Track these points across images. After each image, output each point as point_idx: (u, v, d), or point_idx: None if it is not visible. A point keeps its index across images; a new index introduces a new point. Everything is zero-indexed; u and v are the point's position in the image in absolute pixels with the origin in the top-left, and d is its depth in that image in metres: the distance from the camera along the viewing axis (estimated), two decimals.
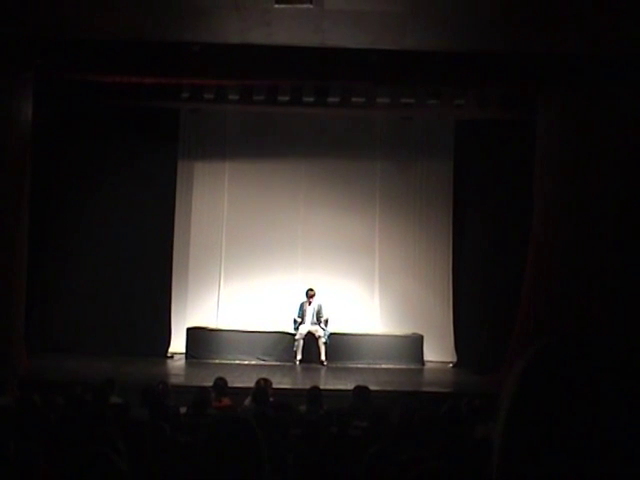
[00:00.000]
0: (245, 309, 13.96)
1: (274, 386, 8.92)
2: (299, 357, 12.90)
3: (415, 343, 13.31)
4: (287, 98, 11.98)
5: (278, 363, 12.79)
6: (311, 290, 13.25)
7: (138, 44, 10.62)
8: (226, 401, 7.72)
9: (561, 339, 1.08)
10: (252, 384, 8.57)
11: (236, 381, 10.56)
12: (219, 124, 14.27)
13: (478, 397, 7.78)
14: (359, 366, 12.67)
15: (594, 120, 10.70)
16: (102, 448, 3.08)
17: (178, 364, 12.81)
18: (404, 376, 11.89)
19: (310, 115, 13.59)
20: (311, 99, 11.99)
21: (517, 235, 12.44)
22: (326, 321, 13.13)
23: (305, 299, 13.23)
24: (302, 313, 13.12)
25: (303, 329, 12.98)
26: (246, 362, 12.77)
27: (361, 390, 7.90)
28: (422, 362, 13.19)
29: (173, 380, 10.62)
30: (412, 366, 12.92)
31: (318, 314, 13.10)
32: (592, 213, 10.63)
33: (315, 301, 13.19)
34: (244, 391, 8.70)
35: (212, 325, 13.74)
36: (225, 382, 8.31)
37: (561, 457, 1.00)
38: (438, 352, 13.34)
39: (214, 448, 2.38)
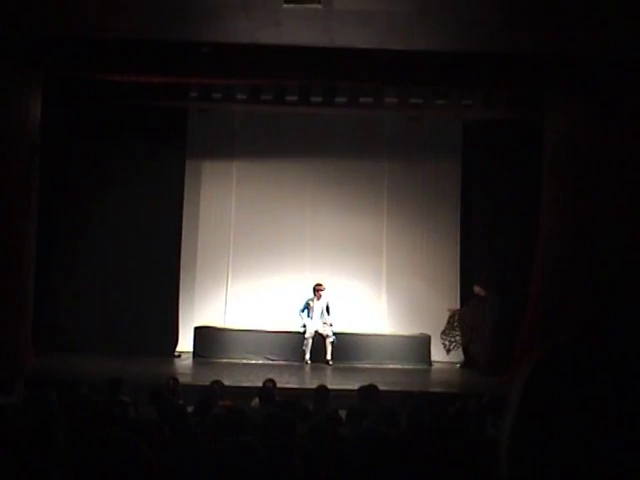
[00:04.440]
0: (252, 308, 13.98)
1: (281, 386, 8.92)
2: (308, 356, 12.90)
3: (422, 343, 13.30)
4: (295, 98, 12.00)
5: (286, 363, 12.79)
6: (319, 285, 13.17)
7: (147, 44, 10.63)
8: (226, 402, 7.70)
9: (569, 340, 1.08)
10: (259, 383, 8.57)
11: (244, 380, 10.60)
12: (227, 124, 14.29)
13: (486, 398, 7.76)
14: (366, 366, 12.65)
15: (601, 120, 10.68)
16: (129, 436, 3.09)
17: (185, 363, 12.82)
18: (411, 376, 11.88)
19: (318, 115, 13.59)
20: (319, 99, 12.01)
21: (525, 235, 12.43)
22: (330, 324, 13.09)
23: (312, 295, 13.18)
24: (309, 310, 13.09)
25: (312, 327, 12.95)
26: (253, 361, 12.79)
27: (369, 389, 7.88)
28: (429, 362, 13.18)
29: (180, 379, 10.61)
30: (419, 366, 12.92)
31: (327, 310, 13.07)
32: (600, 213, 10.60)
33: (324, 297, 13.17)
34: (251, 391, 8.70)
35: (219, 324, 13.75)
36: (221, 384, 8.29)
37: (569, 457, 1.00)
38: (445, 352, 13.31)
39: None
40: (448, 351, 13.02)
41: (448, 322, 13.00)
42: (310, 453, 4.86)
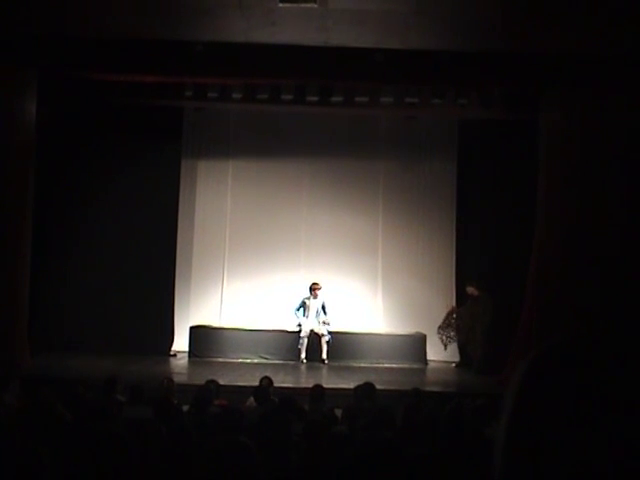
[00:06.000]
0: (248, 308, 13.97)
1: (277, 385, 8.93)
2: (303, 355, 12.89)
3: (418, 342, 13.30)
4: (291, 97, 11.98)
5: (281, 362, 12.79)
6: (316, 284, 13.13)
7: (142, 43, 10.62)
8: (222, 401, 7.71)
9: (564, 340, 1.08)
10: (255, 383, 8.58)
11: (239, 380, 10.60)
12: (223, 123, 14.28)
13: (481, 397, 7.77)
14: (362, 365, 12.66)
15: (597, 120, 10.69)
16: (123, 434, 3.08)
17: (181, 362, 12.82)
18: (407, 375, 11.88)
19: (314, 114, 13.58)
20: (315, 98, 12.00)
21: (520, 234, 12.45)
22: (328, 323, 13.06)
23: (308, 294, 13.16)
24: (305, 309, 13.07)
25: (307, 326, 12.95)
26: (249, 361, 12.78)
27: (366, 387, 7.88)
28: (425, 361, 13.19)
29: (176, 378, 10.62)
30: (415, 365, 12.92)
31: (323, 310, 13.04)
32: (596, 213, 10.61)
33: (320, 296, 13.16)
34: (247, 390, 8.71)
35: (215, 324, 13.74)
36: (216, 384, 8.29)
37: (564, 456, 1.01)
38: (441, 351, 13.32)
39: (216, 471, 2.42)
40: (445, 346, 13.05)
41: (446, 318, 13.02)
42: (305, 452, 4.87)
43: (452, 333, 12.99)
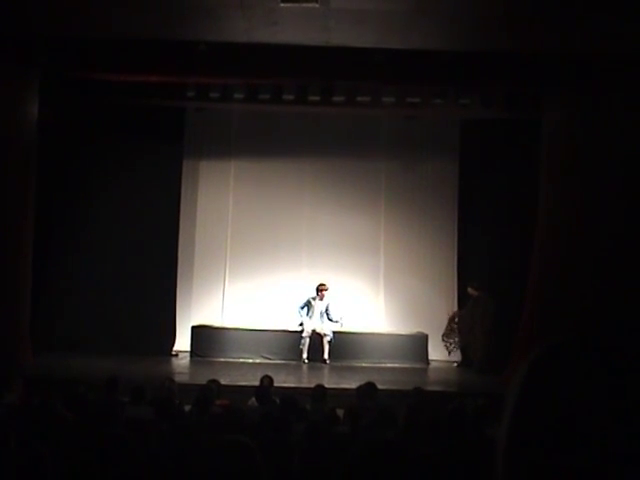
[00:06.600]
0: (250, 307, 13.97)
1: (278, 385, 8.92)
2: (305, 355, 12.89)
3: (420, 342, 13.30)
4: (292, 97, 11.98)
5: (283, 361, 12.78)
6: (323, 285, 13.08)
7: (144, 43, 10.62)
8: (223, 401, 7.71)
9: (566, 339, 1.08)
10: (257, 383, 8.58)
11: (241, 379, 10.60)
12: (224, 123, 14.28)
13: (483, 397, 7.76)
14: (364, 365, 12.66)
15: (599, 119, 10.68)
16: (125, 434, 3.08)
17: (183, 362, 12.82)
18: (409, 375, 11.88)
19: (315, 114, 13.58)
20: (316, 98, 12.00)
21: (522, 234, 12.44)
22: (337, 321, 13.04)
23: (315, 294, 13.11)
24: (309, 309, 13.06)
25: (310, 326, 12.94)
26: (250, 360, 12.78)
27: (368, 387, 7.88)
28: (427, 361, 13.18)
29: (178, 378, 10.62)
30: (417, 365, 12.92)
31: (326, 312, 13.02)
32: (598, 213, 10.60)
33: (327, 297, 13.14)
34: (249, 390, 8.70)
35: (217, 323, 13.75)
36: (218, 384, 8.29)
37: (565, 457, 1.00)
38: (443, 351, 13.32)
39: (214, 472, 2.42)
40: (450, 352, 13.09)
41: (448, 324, 13.04)
42: (307, 452, 4.87)
43: (456, 339, 13.02)
